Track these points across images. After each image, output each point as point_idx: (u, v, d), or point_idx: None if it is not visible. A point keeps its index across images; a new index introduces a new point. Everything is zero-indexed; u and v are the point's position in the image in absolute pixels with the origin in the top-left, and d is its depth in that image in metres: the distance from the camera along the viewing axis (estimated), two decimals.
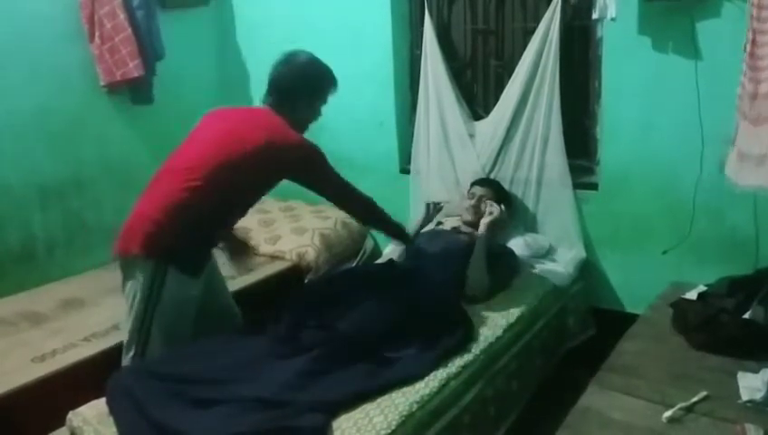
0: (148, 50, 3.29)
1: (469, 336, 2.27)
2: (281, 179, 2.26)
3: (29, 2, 3.02)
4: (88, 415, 1.92)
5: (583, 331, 2.90)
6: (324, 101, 2.36)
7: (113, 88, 3.28)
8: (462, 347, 2.21)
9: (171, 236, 2.07)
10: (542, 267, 2.84)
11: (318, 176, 2.27)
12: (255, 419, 1.75)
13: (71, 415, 1.95)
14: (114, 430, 1.83)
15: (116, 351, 2.22)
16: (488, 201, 2.83)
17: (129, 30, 3.18)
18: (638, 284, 2.86)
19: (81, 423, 1.91)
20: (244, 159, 2.11)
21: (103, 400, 1.96)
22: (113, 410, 1.87)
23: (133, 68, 3.19)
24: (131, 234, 2.10)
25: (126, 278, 2.14)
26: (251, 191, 2.28)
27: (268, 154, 2.13)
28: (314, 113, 2.36)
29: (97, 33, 3.18)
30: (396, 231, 2.59)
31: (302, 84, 2.29)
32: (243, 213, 2.35)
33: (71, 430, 1.93)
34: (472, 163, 3.17)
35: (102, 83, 3.25)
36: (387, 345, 2.12)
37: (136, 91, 3.38)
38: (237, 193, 2.20)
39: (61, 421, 1.97)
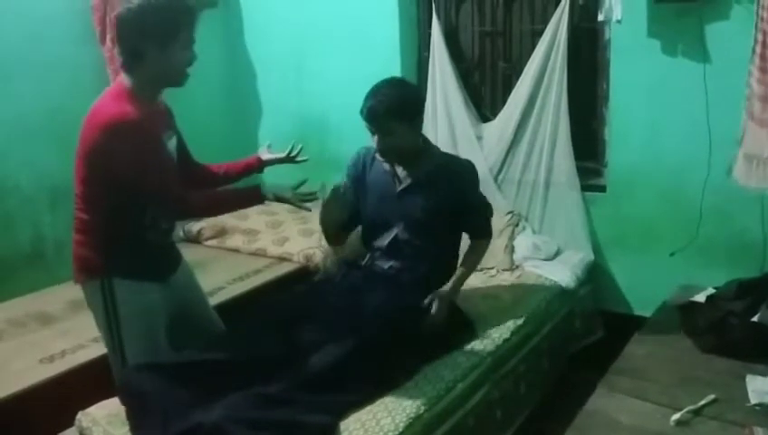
0: None
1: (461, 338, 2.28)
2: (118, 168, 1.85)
3: (40, 4, 3.04)
4: (97, 415, 1.93)
5: (591, 333, 2.90)
6: (185, 38, 1.81)
7: None
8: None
9: (98, 251, 1.99)
10: (550, 270, 2.83)
11: (127, 157, 1.80)
12: (263, 412, 1.75)
13: (80, 415, 1.95)
14: (124, 431, 1.84)
15: None
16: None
17: None
18: (646, 286, 2.85)
19: (90, 424, 1.91)
20: (90, 164, 1.90)
21: (112, 400, 1.97)
22: (125, 403, 1.87)
23: None
24: (73, 261, 2.06)
25: (89, 308, 2.08)
26: (122, 189, 1.89)
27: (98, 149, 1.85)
28: (174, 57, 1.82)
29: (108, 36, 3.19)
30: (250, 201, 2.13)
31: (141, 25, 1.76)
32: (153, 209, 1.98)
33: (80, 431, 1.94)
34: (479, 165, 3.14)
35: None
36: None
37: None
38: (114, 197, 1.93)
39: (70, 422, 1.98)
